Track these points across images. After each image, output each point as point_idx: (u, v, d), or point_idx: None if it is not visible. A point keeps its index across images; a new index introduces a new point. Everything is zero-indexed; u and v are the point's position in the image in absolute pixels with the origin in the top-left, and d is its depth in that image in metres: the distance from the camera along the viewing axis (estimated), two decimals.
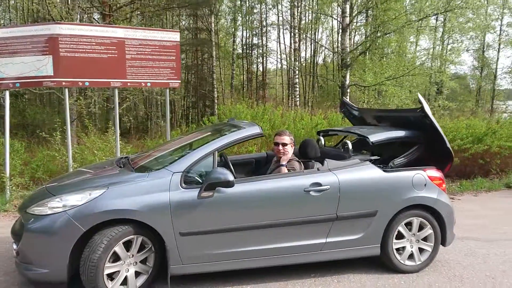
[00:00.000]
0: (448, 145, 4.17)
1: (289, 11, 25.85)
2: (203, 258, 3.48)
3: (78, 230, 3.15)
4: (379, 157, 4.15)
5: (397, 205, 3.90)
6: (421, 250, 4.10)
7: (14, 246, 3.37)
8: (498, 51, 27.06)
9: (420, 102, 4.13)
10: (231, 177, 3.34)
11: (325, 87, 32.07)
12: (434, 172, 4.13)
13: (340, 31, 15.69)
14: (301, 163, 4.10)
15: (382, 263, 4.11)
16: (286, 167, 3.98)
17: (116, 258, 3.29)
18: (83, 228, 3.15)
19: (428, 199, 4.00)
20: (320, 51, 31.96)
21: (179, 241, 3.37)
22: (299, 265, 3.90)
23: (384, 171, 3.94)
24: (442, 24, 21.85)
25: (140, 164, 3.90)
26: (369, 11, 17.96)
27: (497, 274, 4.08)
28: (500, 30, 26.18)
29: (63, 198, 3.29)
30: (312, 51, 29.74)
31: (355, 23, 18.19)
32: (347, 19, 14.99)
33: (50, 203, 3.29)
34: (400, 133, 4.36)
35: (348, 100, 5.67)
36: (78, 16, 12.38)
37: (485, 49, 27.25)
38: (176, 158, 3.66)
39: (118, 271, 3.31)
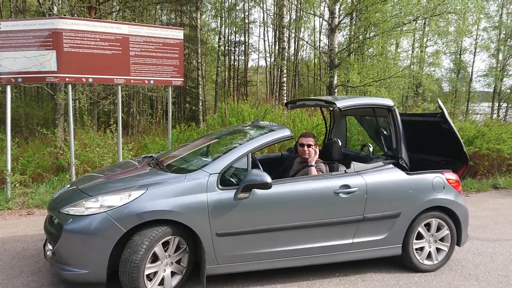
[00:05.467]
0: (465, 149, 4.36)
1: (273, 8, 26.06)
2: (237, 258, 3.53)
3: (119, 230, 3.15)
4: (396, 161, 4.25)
5: (419, 206, 4.05)
6: (438, 250, 4.28)
7: (50, 246, 3.33)
8: (474, 55, 28.07)
9: (440, 107, 4.29)
10: (268, 179, 3.39)
11: (306, 85, 32.47)
12: (451, 175, 4.31)
13: (328, 32, 15.85)
14: (326, 164, 4.20)
15: (401, 262, 4.26)
16: (316, 167, 4.06)
17: (154, 258, 3.30)
18: (123, 228, 3.15)
19: (446, 201, 4.17)
20: (302, 50, 32.34)
21: (215, 242, 3.40)
22: (323, 265, 4.00)
23: (407, 173, 4.08)
24: (422, 27, 22.41)
25: (171, 164, 3.91)
26: (354, 13, 18.22)
27: (508, 273, 4.29)
28: (477, 34, 27.12)
29: (100, 199, 3.27)
30: (295, 50, 30.06)
31: (342, 25, 18.42)
32: (336, 20, 15.18)
33: (86, 203, 3.27)
34: (368, 100, 4.30)
35: None
36: (56, 9, 12.03)
37: (461, 52, 28.15)
38: (211, 159, 3.69)
39: (156, 272, 3.33)
